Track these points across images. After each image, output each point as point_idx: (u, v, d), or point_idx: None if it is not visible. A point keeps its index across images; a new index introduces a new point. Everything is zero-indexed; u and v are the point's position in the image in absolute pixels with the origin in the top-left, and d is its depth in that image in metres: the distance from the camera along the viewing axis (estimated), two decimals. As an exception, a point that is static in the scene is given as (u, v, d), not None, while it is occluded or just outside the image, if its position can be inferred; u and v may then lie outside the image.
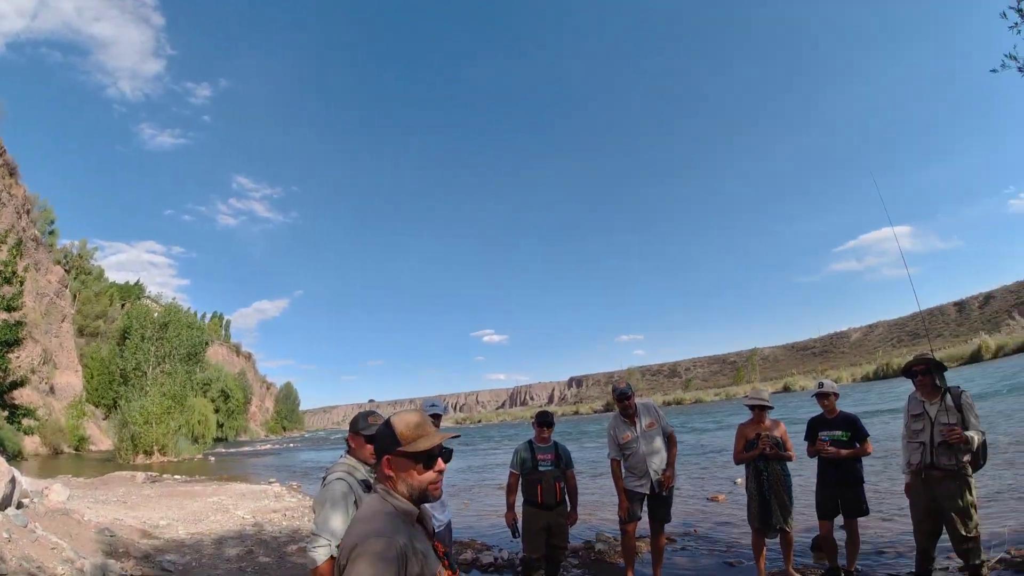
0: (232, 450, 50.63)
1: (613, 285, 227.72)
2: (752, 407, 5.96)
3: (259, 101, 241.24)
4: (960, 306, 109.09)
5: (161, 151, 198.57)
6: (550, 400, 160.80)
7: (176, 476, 21.95)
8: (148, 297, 53.98)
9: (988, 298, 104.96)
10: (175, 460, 34.34)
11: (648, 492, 5.79)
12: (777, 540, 5.86)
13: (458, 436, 2.14)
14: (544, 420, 5.78)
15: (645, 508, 5.89)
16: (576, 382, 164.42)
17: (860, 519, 5.70)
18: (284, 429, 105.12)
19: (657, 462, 5.81)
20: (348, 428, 3.30)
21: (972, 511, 4.54)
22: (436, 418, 5.47)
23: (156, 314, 42.52)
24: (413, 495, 1.89)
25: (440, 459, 1.94)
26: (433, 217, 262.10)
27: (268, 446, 57.07)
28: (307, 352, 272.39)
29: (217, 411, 58.82)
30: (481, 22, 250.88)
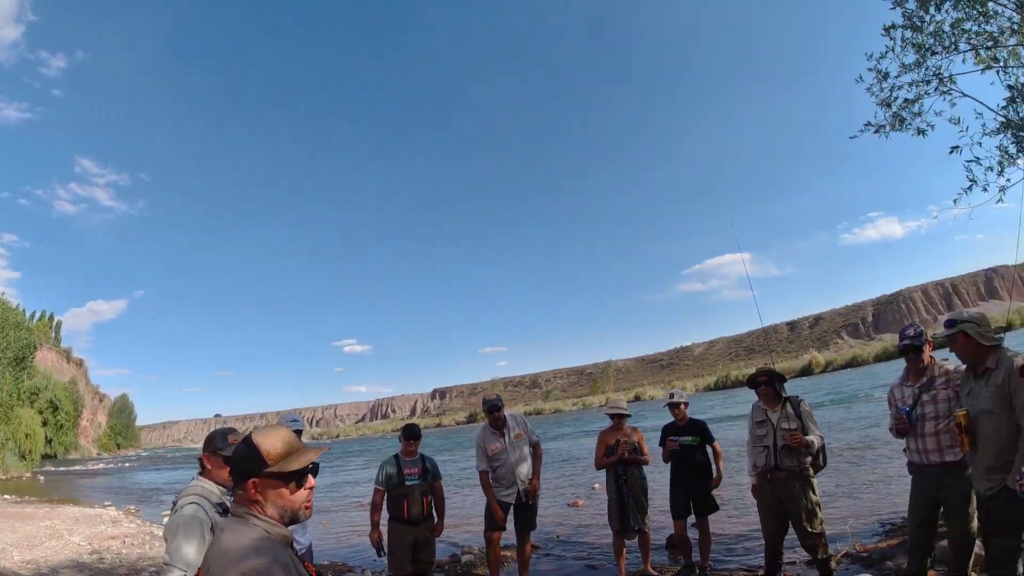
0: (62, 469, 45.66)
1: (478, 297, 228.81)
2: (612, 415, 6.22)
3: (115, 78, 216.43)
4: (792, 325, 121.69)
5: (5, 126, 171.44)
6: (413, 412, 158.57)
7: (5, 496, 19.79)
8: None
9: (818, 319, 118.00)
10: (2, 478, 30.40)
11: (515, 502, 5.85)
12: (636, 541, 6.13)
13: (329, 448, 2.05)
14: (411, 433, 5.63)
15: (511, 517, 5.93)
16: (439, 394, 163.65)
17: (711, 517, 6.09)
18: (118, 447, 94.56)
19: (524, 471, 5.88)
20: (202, 447, 2.99)
21: (816, 509, 4.93)
22: (296, 434, 5.20)
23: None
24: (285, 518, 1.75)
25: (311, 475, 1.82)
26: (292, 221, 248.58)
27: (101, 465, 51.78)
28: (146, 361, 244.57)
29: (45, 424, 51.44)
30: (348, 16, 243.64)
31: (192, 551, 2.52)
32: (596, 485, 12.61)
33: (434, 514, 5.63)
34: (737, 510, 8.79)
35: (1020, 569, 3.44)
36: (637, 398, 75.92)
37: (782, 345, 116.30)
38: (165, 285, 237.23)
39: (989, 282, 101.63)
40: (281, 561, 1.61)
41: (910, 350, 4.22)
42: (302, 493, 1.78)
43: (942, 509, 4.14)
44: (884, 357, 60.41)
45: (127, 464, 54.31)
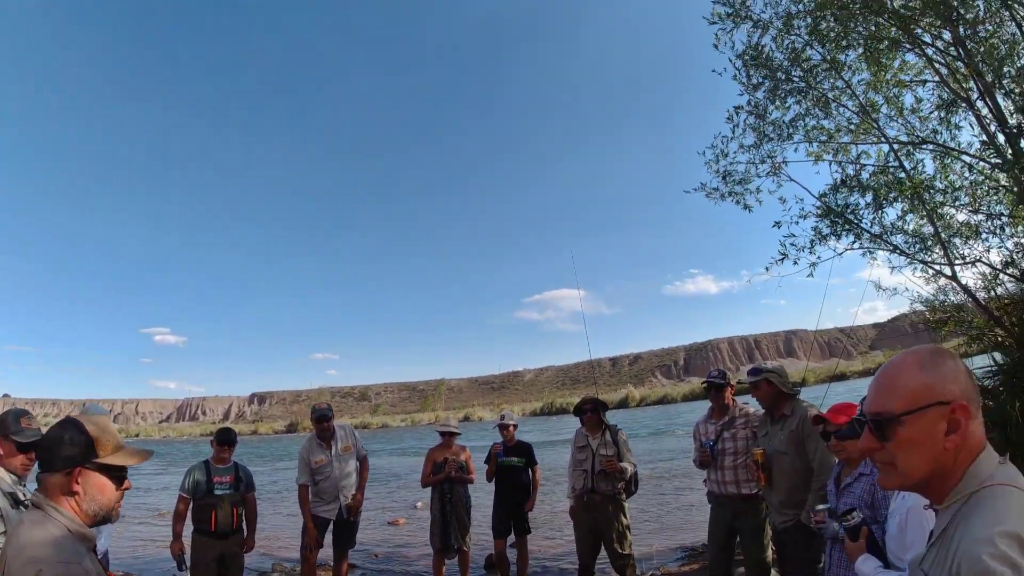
0: None
1: (311, 298, 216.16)
2: (442, 433, 6.29)
3: None
4: (614, 361, 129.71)
5: None
6: (226, 416, 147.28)
7: None
8: None
9: (637, 358, 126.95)
10: None
11: (335, 518, 5.69)
12: (456, 560, 6.16)
13: (153, 454, 1.88)
14: (225, 438, 5.29)
15: (329, 533, 5.76)
16: (259, 398, 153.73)
17: (529, 537, 6.31)
18: None
19: (349, 486, 5.75)
20: None
21: (626, 532, 5.28)
22: None
23: None
24: (97, 516, 1.62)
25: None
26: (98, 186, 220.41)
27: None
28: None
29: None
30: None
31: None
32: (419, 504, 12.50)
33: (244, 527, 5.30)
34: (556, 531, 9.11)
35: None
36: (467, 418, 76.65)
37: (604, 378, 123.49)
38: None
39: (788, 342, 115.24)
40: (82, 564, 1.49)
41: (713, 387, 4.75)
42: (119, 493, 1.68)
43: (739, 538, 4.63)
44: (691, 397, 66.57)
45: None
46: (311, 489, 5.71)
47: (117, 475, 1.66)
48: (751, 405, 4.77)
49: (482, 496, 7.01)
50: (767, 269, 6.78)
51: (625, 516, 5.33)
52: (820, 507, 2.83)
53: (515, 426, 6.43)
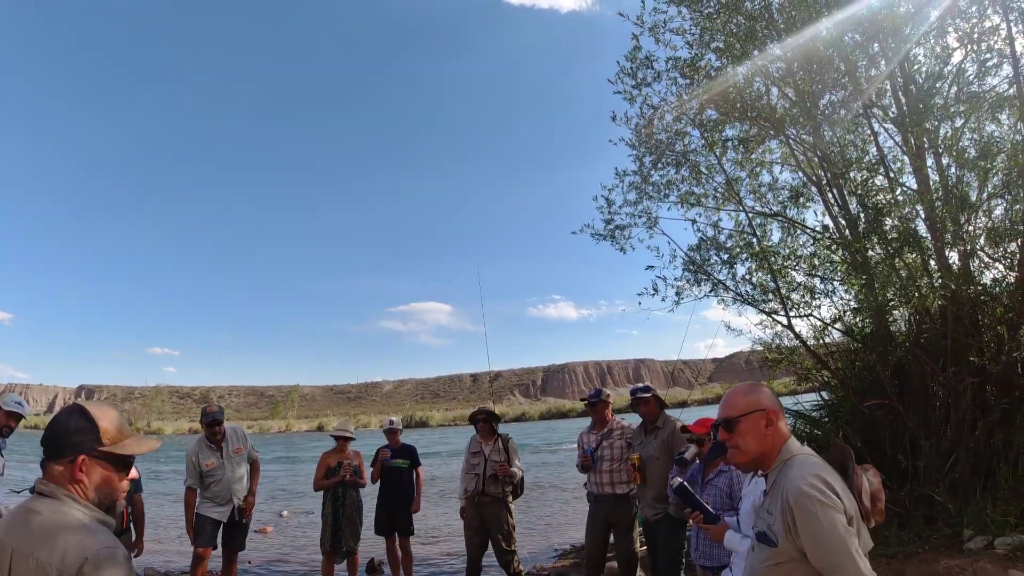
0: None
1: (153, 285, 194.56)
2: (337, 437, 6.55)
3: None
4: (475, 377, 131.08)
5: None
6: (50, 408, 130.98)
7: None
8: None
9: (498, 375, 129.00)
10: None
11: (227, 520, 5.75)
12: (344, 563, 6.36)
13: (161, 443, 1.92)
14: None
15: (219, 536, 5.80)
16: (87, 392, 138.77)
17: (413, 539, 6.71)
18: None
19: (241, 489, 5.84)
20: None
21: (512, 531, 5.86)
22: (16, 418, 4.63)
23: None
24: (102, 505, 1.59)
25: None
26: None
27: None
28: None
29: None
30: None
31: None
32: (284, 512, 12.40)
33: (132, 529, 5.29)
34: (442, 534, 9.57)
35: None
36: (320, 428, 74.12)
37: (464, 394, 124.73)
38: None
39: (637, 369, 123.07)
40: (120, 547, 1.49)
41: (596, 404, 5.54)
42: (125, 483, 1.68)
43: (612, 533, 5.43)
44: (548, 416, 69.15)
45: None
46: (202, 493, 5.75)
47: (122, 464, 1.64)
48: (627, 419, 5.68)
49: (367, 500, 7.29)
50: (640, 303, 7.64)
51: (511, 516, 5.90)
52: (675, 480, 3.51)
53: (400, 431, 6.82)
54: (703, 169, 7.66)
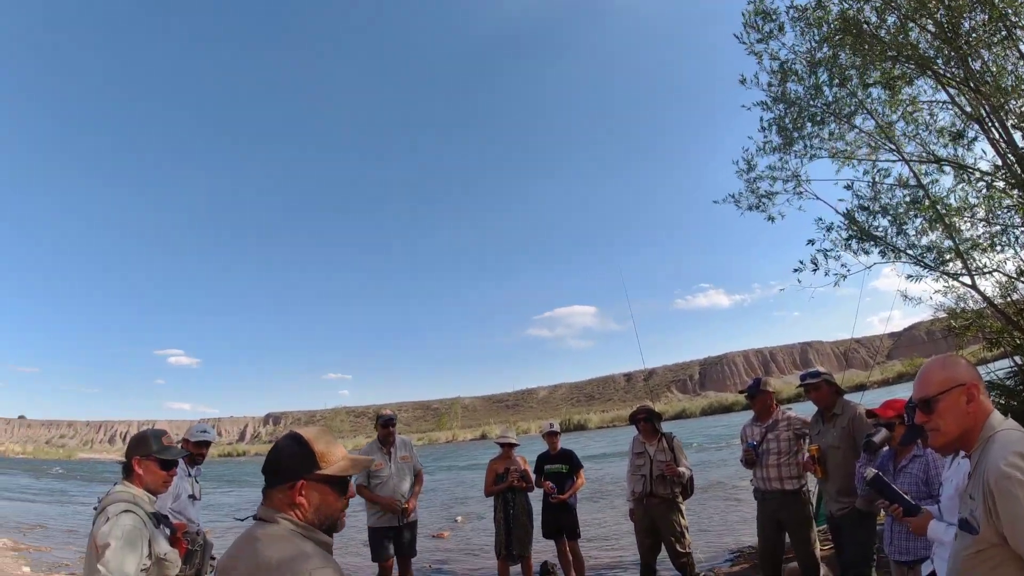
0: None
1: (324, 320, 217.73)
2: (501, 444, 6.62)
3: None
4: (628, 377, 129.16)
5: None
6: (241, 437, 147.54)
7: None
8: None
9: (651, 373, 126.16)
10: None
11: (396, 524, 5.86)
12: (519, 567, 6.43)
13: (375, 461, 1.94)
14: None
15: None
16: (273, 419, 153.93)
17: (582, 542, 6.63)
18: None
19: (404, 494, 5.93)
20: (130, 450, 2.71)
21: (684, 532, 5.63)
22: (205, 445, 5.07)
23: None
24: (323, 525, 1.62)
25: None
26: (114, 208, 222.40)
27: None
28: None
29: None
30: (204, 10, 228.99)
31: (132, 565, 2.35)
32: (459, 518, 12.92)
33: None
34: (612, 536, 9.43)
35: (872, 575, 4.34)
36: (483, 436, 76.60)
37: (619, 394, 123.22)
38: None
39: (804, 354, 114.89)
40: (336, 567, 1.51)
41: (757, 394, 5.21)
42: (344, 502, 1.70)
43: (787, 533, 5.04)
44: (709, 411, 66.47)
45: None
46: (369, 506, 5.92)
47: (340, 485, 1.66)
48: (794, 410, 5.24)
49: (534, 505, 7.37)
50: (799, 280, 7.10)
51: (683, 517, 5.67)
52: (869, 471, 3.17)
53: (559, 434, 6.81)
54: (846, 117, 6.92)
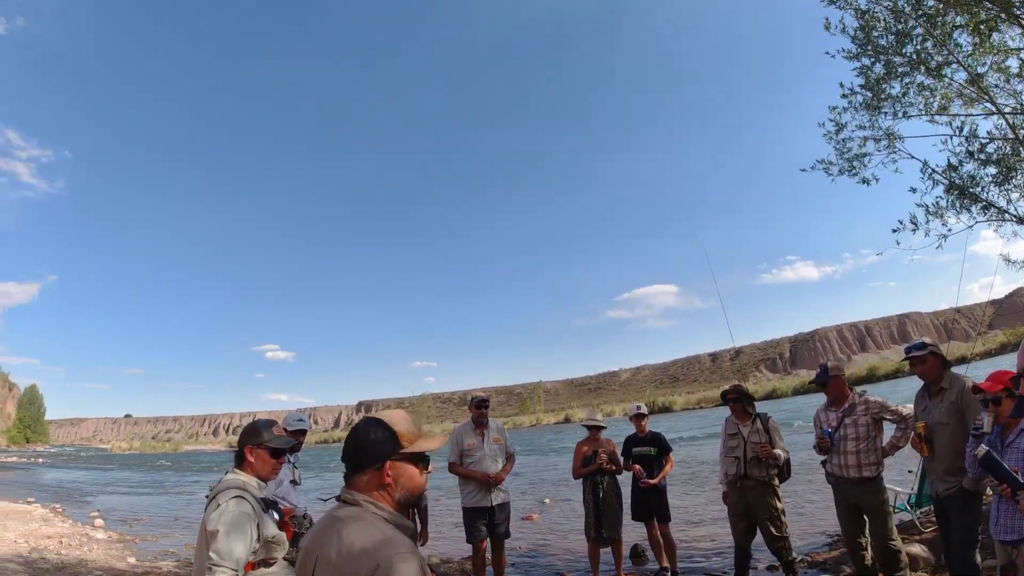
0: None
1: (409, 310, 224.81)
2: (588, 427, 6.55)
3: (51, 48, 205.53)
4: (714, 357, 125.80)
5: None
6: (336, 425, 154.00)
7: None
8: None
9: (738, 352, 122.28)
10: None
11: (490, 504, 5.95)
12: (610, 549, 6.40)
13: (448, 438, 2.03)
14: None
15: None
16: (365, 407, 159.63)
17: (672, 525, 6.54)
18: (27, 440, 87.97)
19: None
20: (243, 440, 2.85)
21: (781, 515, 5.44)
22: (302, 434, 5.28)
23: None
24: (409, 502, 1.72)
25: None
26: (217, 217, 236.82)
27: (14, 458, 47.92)
28: (55, 351, 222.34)
29: None
30: (265, 10, 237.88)
31: (241, 549, 2.46)
32: (547, 500, 13.03)
33: (417, 521, 5.66)
34: (704, 520, 9.29)
35: (978, 558, 4.08)
36: (567, 420, 76.81)
37: (704, 375, 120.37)
38: (79, 272, 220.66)
39: (902, 326, 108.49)
40: (414, 551, 1.54)
41: (819, 384, 5.07)
42: (425, 477, 1.77)
43: (866, 519, 4.88)
44: (802, 391, 63.82)
45: (39, 460, 50.98)
46: (463, 485, 6.06)
47: (421, 461, 1.73)
48: (870, 393, 5.04)
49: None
50: (897, 242, 6.67)
51: (779, 500, 5.48)
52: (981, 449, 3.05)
53: (647, 416, 6.70)
54: (935, 69, 6.42)
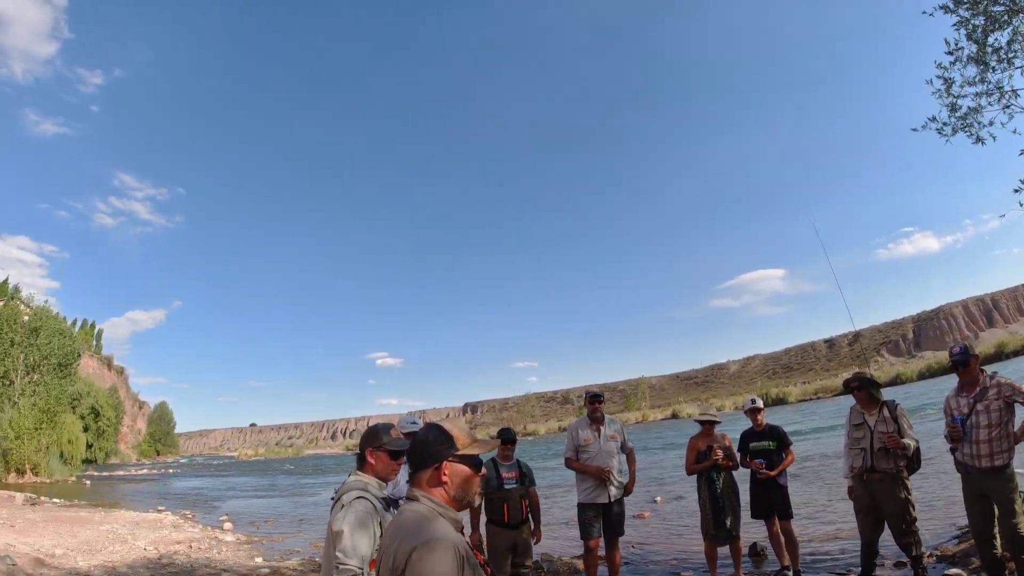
0: (105, 473, 45.90)
1: (510, 311, 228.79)
2: (701, 422, 6.36)
3: (152, 94, 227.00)
4: (830, 343, 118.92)
5: (43, 140, 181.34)
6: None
7: (55, 499, 20.15)
8: (18, 298, 46.53)
9: (856, 337, 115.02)
10: (47, 481, 31.23)
11: (606, 501, 5.86)
12: (727, 547, 6.18)
13: (498, 445, 2.26)
14: (508, 437, 5.65)
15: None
16: (471, 408, 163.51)
17: (794, 522, 6.24)
18: (157, 453, 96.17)
19: (614, 475, 5.91)
20: (364, 442, 2.99)
21: (911, 508, 5.08)
22: (412, 435, 5.42)
23: (26, 318, 38.21)
24: (462, 501, 1.94)
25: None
26: (327, 234, 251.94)
27: (144, 471, 52.24)
28: (183, 370, 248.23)
29: (87, 429, 52.28)
30: (379, 33, 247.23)
31: (365, 545, 2.55)
32: (658, 498, 12.78)
33: (531, 519, 5.68)
34: (827, 515, 8.89)
35: None
36: (674, 415, 75.05)
37: (820, 363, 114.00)
38: (202, 297, 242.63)
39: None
40: (455, 540, 1.74)
41: (960, 365, 4.74)
42: (477, 479, 1.97)
43: (995, 507, 4.60)
44: (928, 374, 59.14)
45: (169, 470, 54.86)
46: (580, 482, 6.01)
47: (474, 463, 1.95)
48: (1002, 375, 4.72)
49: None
50: (1021, 203, 6.09)
51: (909, 493, 5.13)
52: None
53: (763, 410, 6.43)
54: None
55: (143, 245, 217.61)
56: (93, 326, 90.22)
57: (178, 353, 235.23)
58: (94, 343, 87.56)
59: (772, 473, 6.09)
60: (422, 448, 1.94)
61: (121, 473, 48.14)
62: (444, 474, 1.89)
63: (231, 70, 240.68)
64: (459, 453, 1.92)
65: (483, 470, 2.02)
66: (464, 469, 1.93)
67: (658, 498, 12.77)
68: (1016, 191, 6.10)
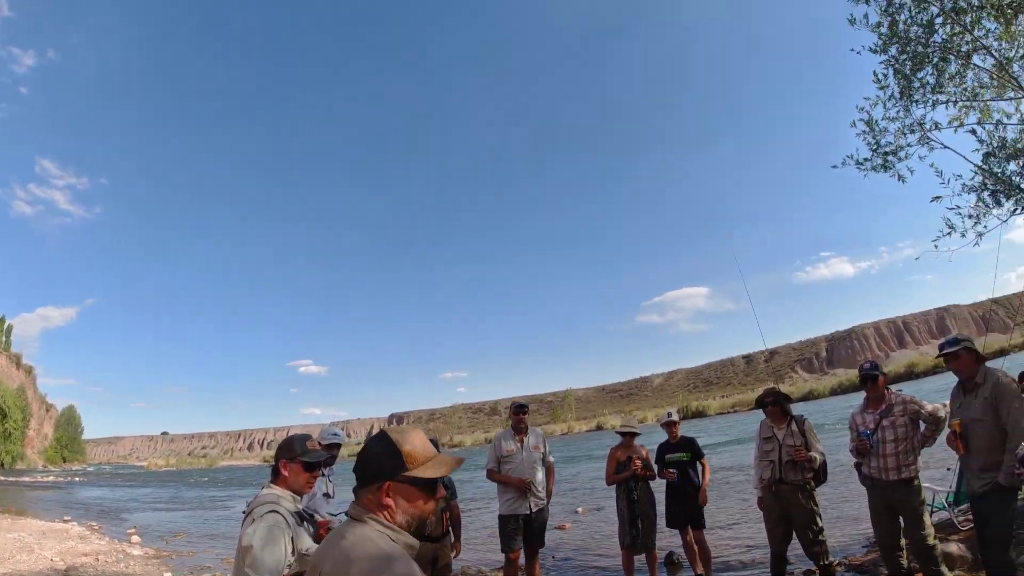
0: (11, 479, 43.15)
1: (439, 321, 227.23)
2: (622, 433, 6.48)
3: (83, 79, 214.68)
4: (748, 359, 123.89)
5: None
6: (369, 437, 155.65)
7: None
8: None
9: (773, 354, 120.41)
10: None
11: (528, 512, 5.83)
12: (642, 557, 6.31)
13: (464, 461, 1.87)
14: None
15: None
16: (397, 419, 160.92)
17: (707, 532, 6.43)
18: (64, 460, 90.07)
19: (535, 486, 5.89)
20: (279, 454, 2.89)
21: (818, 519, 5.32)
22: (336, 447, 5.30)
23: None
24: (411, 526, 1.61)
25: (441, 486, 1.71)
26: (252, 237, 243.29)
27: (51, 478, 49.03)
28: (93, 372, 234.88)
29: None
30: (312, 23, 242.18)
31: (274, 561, 2.47)
32: (579, 508, 12.91)
33: (452, 531, 5.66)
34: (738, 525, 9.16)
35: (1013, 555, 4.02)
36: (599, 427, 76.23)
37: (738, 378, 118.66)
38: (117, 295, 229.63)
39: (941, 321, 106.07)
40: (410, 571, 1.47)
41: (868, 378, 4.91)
42: (432, 504, 1.66)
43: (901, 519, 4.79)
44: (840, 391, 62.49)
45: (76, 478, 51.72)
46: (501, 492, 5.97)
47: (428, 487, 1.63)
48: (905, 392, 4.96)
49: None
50: (936, 246, 6.52)
51: (816, 503, 5.36)
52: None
53: (678, 423, 6.60)
54: (964, 56, 6.24)
55: (60, 237, 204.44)
56: (3, 321, 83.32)
57: (89, 354, 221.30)
58: (3, 339, 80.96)
59: (703, 489, 6.32)
60: (366, 462, 1.63)
61: (28, 479, 45.21)
62: (386, 495, 1.57)
63: (165, 61, 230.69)
64: (408, 474, 1.58)
65: (440, 492, 1.69)
66: (412, 493, 1.60)
67: (579, 508, 12.90)
68: (935, 241, 6.49)
